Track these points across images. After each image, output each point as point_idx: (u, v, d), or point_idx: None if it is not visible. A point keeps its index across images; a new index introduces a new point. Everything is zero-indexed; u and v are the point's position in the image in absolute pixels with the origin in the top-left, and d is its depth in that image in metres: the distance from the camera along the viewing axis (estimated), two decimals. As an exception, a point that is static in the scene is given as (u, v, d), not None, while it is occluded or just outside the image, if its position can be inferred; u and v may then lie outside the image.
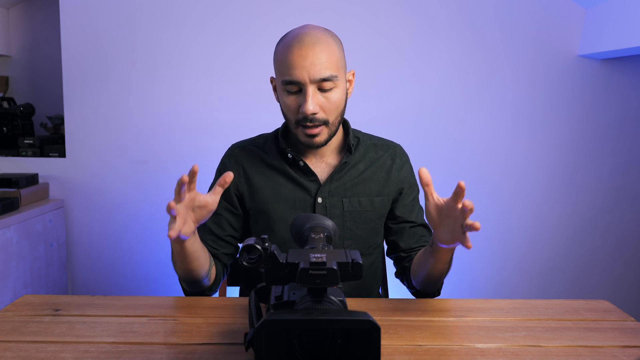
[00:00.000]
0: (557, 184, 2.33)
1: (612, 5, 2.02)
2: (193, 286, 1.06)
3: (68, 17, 2.17)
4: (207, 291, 1.09)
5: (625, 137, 2.32)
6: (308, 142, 1.07)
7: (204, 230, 1.14)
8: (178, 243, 0.93)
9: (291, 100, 1.05)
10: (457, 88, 2.23)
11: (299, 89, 1.04)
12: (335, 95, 1.04)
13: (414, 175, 1.22)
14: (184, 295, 1.10)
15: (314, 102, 1.02)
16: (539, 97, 2.26)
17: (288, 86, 1.04)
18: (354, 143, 1.16)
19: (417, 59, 2.21)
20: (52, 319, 0.91)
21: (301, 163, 1.12)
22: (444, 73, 2.22)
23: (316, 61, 1.01)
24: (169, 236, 0.83)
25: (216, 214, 1.15)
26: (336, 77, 1.03)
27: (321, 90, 1.03)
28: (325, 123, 1.05)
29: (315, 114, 1.03)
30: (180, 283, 1.09)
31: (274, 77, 1.11)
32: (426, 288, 1.10)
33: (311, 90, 1.02)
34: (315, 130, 1.05)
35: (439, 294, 1.14)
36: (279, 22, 2.15)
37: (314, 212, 1.12)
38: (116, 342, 0.82)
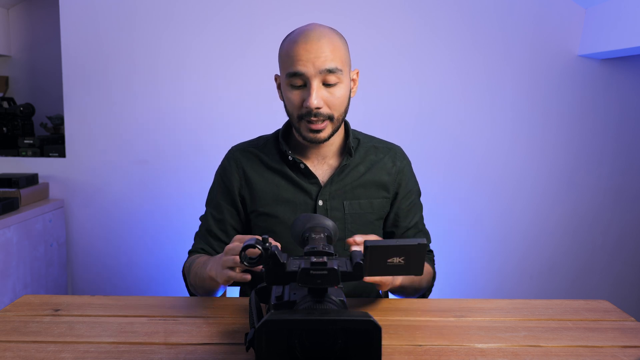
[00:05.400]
0: (557, 183, 2.32)
1: (612, 5, 2.02)
2: (205, 295, 1.07)
3: (68, 17, 2.17)
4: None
5: (625, 137, 2.32)
6: (311, 137, 1.06)
7: (210, 236, 1.15)
8: (215, 282, 0.96)
9: (295, 94, 1.04)
10: (457, 88, 2.23)
11: (304, 83, 1.03)
12: (340, 90, 1.04)
13: (414, 178, 1.22)
14: (184, 295, 1.10)
15: (318, 96, 1.01)
16: (539, 97, 2.26)
17: (292, 79, 1.03)
18: (354, 145, 1.15)
19: (417, 59, 2.21)
20: (52, 319, 0.91)
21: (302, 165, 1.11)
22: (444, 73, 2.22)
23: (321, 53, 1.01)
24: (243, 279, 0.86)
25: (221, 220, 1.15)
26: (341, 71, 1.03)
27: (326, 85, 1.03)
28: (330, 118, 1.05)
29: (319, 108, 1.02)
30: (190, 289, 1.11)
31: (278, 74, 1.11)
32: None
33: (315, 83, 1.01)
34: (319, 125, 1.04)
35: (427, 295, 1.17)
36: (279, 22, 2.15)
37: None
38: (116, 342, 0.82)
